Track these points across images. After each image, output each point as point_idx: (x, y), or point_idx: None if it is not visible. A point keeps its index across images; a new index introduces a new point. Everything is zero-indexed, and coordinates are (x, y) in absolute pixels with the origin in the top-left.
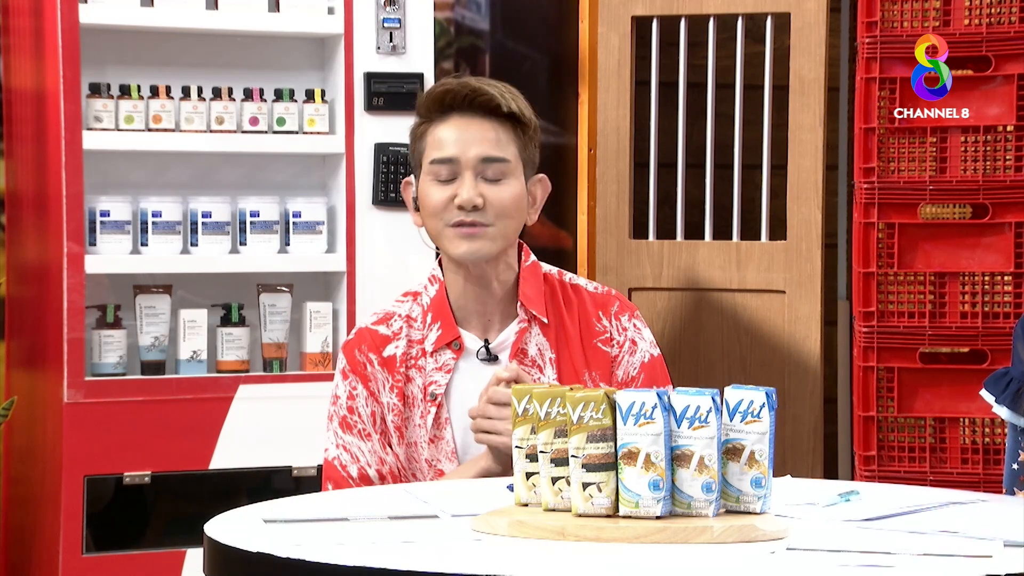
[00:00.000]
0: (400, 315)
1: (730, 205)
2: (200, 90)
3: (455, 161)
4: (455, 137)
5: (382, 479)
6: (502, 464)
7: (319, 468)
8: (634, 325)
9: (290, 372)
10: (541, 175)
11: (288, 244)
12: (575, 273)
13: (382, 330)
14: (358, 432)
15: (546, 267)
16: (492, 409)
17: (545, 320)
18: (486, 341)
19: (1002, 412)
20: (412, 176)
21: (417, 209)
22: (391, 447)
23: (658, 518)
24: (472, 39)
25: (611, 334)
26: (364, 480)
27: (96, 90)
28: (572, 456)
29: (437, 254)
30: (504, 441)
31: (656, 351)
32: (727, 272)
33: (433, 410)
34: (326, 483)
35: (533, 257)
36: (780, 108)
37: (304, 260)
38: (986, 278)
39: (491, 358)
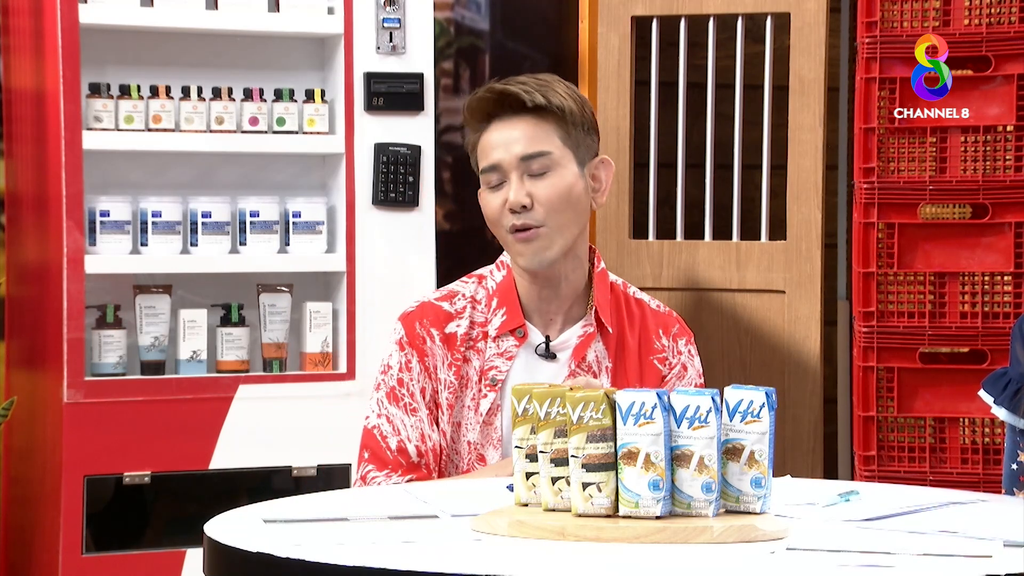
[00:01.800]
0: (464, 295)
1: (730, 205)
2: (200, 90)
3: (499, 166)
4: (496, 142)
5: (421, 456)
6: None
7: (319, 468)
8: (688, 351)
9: (290, 372)
10: (604, 157)
11: (288, 244)
12: None
13: (446, 307)
14: (404, 406)
15: (612, 276)
16: None
17: (610, 330)
18: (547, 337)
19: (1000, 413)
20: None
21: None
22: (438, 425)
23: (658, 518)
24: (472, 39)
25: (667, 355)
26: (402, 454)
27: (96, 90)
28: (572, 456)
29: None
30: None
31: (701, 380)
32: (727, 272)
33: (491, 395)
34: (363, 451)
35: (603, 264)
36: (780, 108)
37: (304, 260)
38: (986, 278)
39: (549, 355)
